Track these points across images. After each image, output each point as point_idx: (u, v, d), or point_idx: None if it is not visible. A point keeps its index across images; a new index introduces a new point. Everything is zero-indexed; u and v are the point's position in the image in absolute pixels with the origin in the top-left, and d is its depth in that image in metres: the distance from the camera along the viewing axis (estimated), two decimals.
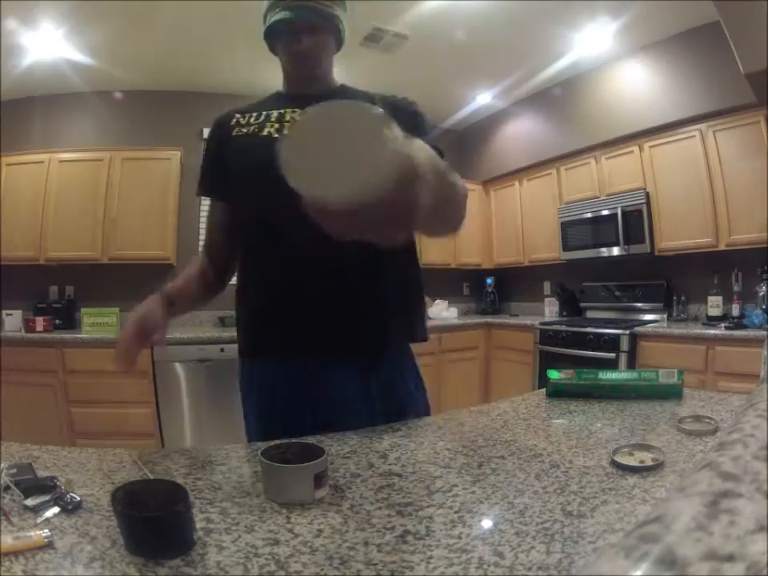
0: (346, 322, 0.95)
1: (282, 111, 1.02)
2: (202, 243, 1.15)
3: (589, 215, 3.54)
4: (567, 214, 3.71)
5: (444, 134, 4.64)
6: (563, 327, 3.37)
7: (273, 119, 1.01)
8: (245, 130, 1.02)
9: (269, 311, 0.98)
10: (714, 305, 2.94)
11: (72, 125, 3.63)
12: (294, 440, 0.74)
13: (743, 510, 0.21)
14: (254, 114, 1.04)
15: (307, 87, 1.02)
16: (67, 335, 3.01)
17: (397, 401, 0.99)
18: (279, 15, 0.95)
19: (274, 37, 1.01)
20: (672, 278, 3.36)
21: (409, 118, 0.94)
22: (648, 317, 3.40)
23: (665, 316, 3.33)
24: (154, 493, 0.53)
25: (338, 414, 0.93)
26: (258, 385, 1.00)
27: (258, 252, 1.02)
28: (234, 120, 1.05)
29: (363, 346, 0.96)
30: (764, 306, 2.71)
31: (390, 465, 0.72)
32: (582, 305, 3.90)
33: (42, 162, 3.29)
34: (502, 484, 0.64)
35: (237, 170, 1.00)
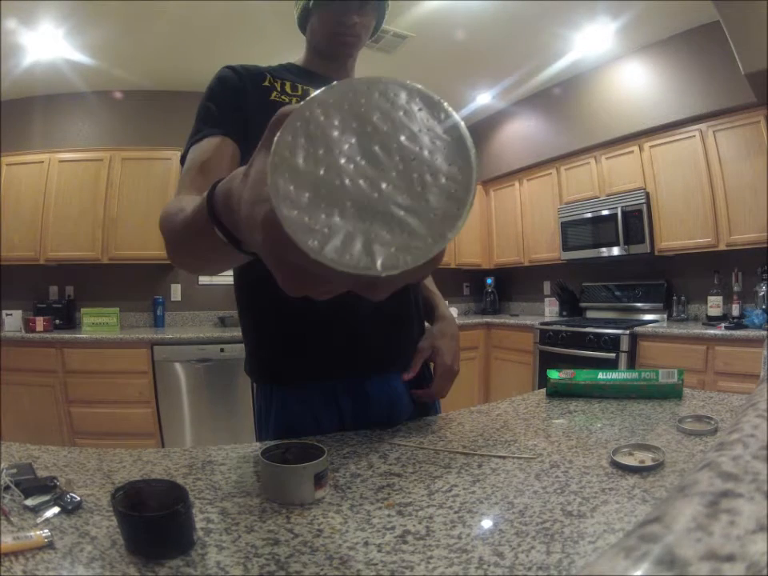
0: (390, 337, 0.95)
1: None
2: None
3: (589, 215, 3.54)
4: (567, 214, 3.71)
5: None
6: (563, 327, 3.37)
7: None
8: (285, 99, 0.93)
9: (317, 334, 0.91)
10: (714, 305, 2.94)
11: (72, 125, 3.63)
12: (294, 440, 0.74)
13: (743, 510, 0.21)
14: (288, 83, 0.95)
15: (335, 72, 0.98)
16: (67, 335, 3.01)
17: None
18: None
19: (320, 9, 0.92)
20: (672, 278, 3.36)
21: None
22: (648, 317, 3.40)
23: (665, 316, 3.34)
24: (154, 493, 0.52)
25: (392, 414, 0.95)
26: (300, 408, 0.91)
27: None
28: (267, 80, 0.94)
29: (404, 355, 0.98)
30: (764, 306, 2.71)
31: (390, 465, 0.72)
32: (582, 305, 3.90)
33: (42, 162, 3.30)
34: (502, 484, 0.64)
35: None
